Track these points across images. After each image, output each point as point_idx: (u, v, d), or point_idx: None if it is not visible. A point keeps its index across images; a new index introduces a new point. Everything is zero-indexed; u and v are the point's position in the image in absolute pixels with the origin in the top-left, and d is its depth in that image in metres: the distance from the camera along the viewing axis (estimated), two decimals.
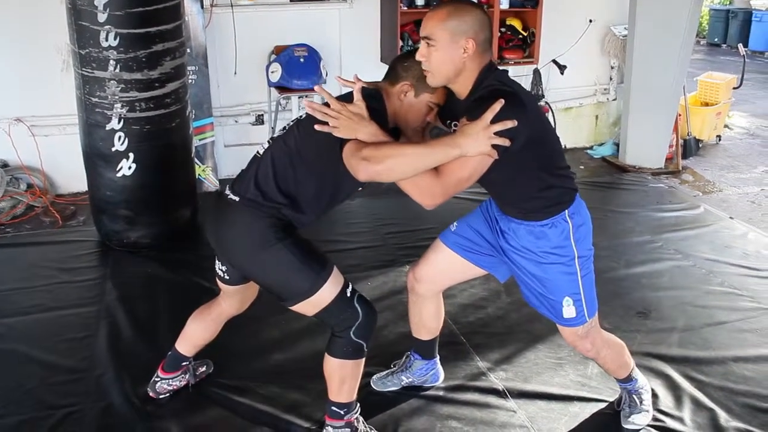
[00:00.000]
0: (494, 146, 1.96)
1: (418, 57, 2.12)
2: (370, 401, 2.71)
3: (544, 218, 2.29)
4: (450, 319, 3.22)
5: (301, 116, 2.36)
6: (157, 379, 2.79)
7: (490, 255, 2.50)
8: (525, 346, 3.14)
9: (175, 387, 2.81)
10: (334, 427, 2.47)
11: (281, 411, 2.72)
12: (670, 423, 2.66)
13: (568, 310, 2.37)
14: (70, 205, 4.77)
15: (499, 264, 2.52)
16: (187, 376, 2.83)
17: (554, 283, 2.35)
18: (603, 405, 2.76)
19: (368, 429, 2.54)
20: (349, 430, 2.47)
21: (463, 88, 2.15)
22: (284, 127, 2.40)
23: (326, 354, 2.39)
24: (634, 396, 2.66)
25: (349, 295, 2.31)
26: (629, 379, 2.64)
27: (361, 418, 2.53)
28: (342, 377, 2.39)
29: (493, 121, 1.93)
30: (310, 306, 2.29)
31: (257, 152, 2.38)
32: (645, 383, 2.70)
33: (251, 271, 2.35)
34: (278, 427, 2.64)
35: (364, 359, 2.40)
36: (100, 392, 2.84)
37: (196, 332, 2.76)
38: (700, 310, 3.48)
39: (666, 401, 2.78)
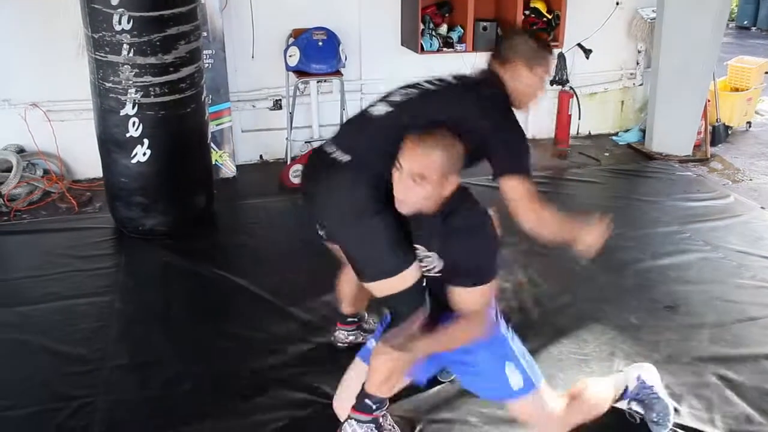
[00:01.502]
0: None
1: (396, 187, 2.05)
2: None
3: None
4: None
5: (420, 88, 2.33)
6: (335, 329, 2.94)
7: None
8: (548, 340, 3.04)
9: (351, 341, 2.86)
10: (359, 421, 2.34)
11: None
12: (700, 425, 2.55)
13: (515, 379, 2.27)
14: (86, 191, 4.72)
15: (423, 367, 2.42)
16: (364, 335, 2.84)
17: (487, 359, 2.28)
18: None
19: (392, 427, 2.45)
20: (374, 425, 2.35)
21: (432, 209, 2.10)
22: (405, 92, 2.32)
23: (381, 343, 2.28)
24: (642, 404, 2.52)
25: (424, 284, 2.21)
26: (622, 396, 2.51)
27: (387, 415, 2.44)
28: (390, 370, 2.27)
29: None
30: (386, 286, 2.18)
31: (367, 111, 2.31)
32: (641, 381, 2.51)
33: (341, 237, 2.26)
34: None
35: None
36: (114, 383, 2.80)
37: (344, 289, 2.66)
38: (731, 305, 3.36)
39: (696, 402, 2.67)
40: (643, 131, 5.84)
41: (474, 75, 2.44)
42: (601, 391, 2.48)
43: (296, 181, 4.73)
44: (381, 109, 2.28)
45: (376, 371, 2.29)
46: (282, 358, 2.95)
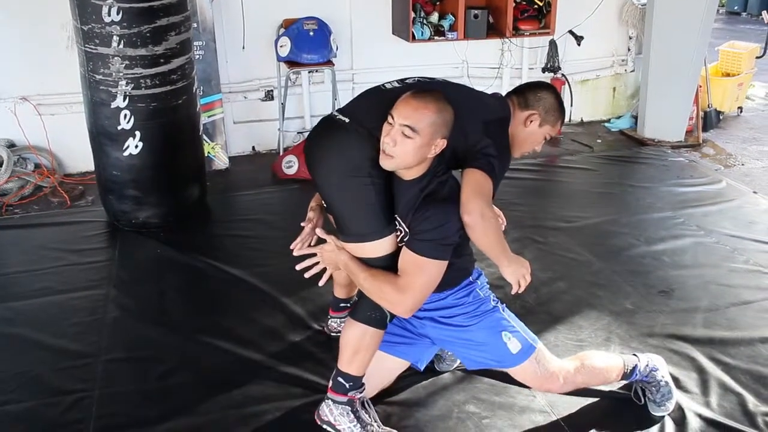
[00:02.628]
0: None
1: (384, 140, 2.08)
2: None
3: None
4: None
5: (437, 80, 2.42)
6: (329, 317, 2.97)
7: (411, 343, 2.50)
8: (544, 327, 3.04)
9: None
10: (334, 401, 2.37)
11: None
12: (696, 408, 2.56)
13: (513, 344, 2.35)
14: (78, 185, 4.69)
15: (424, 350, 2.52)
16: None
17: (483, 332, 2.37)
18: (625, 389, 2.65)
19: (375, 421, 2.41)
20: (349, 408, 2.36)
21: (411, 173, 2.15)
22: (416, 79, 2.37)
23: (349, 318, 2.36)
24: (649, 385, 2.54)
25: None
26: (631, 373, 2.52)
27: (366, 401, 2.43)
28: (357, 347, 2.32)
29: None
30: (362, 250, 2.23)
31: (382, 86, 2.34)
32: (651, 365, 2.54)
33: (328, 190, 2.29)
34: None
35: (383, 333, 2.34)
36: (110, 377, 2.79)
37: (338, 272, 2.63)
38: (725, 289, 3.37)
39: (691, 385, 2.68)
40: (635, 117, 5.84)
41: (491, 94, 2.54)
42: (608, 359, 2.54)
43: (289, 172, 4.72)
44: (391, 85, 2.33)
45: (345, 346, 2.34)
46: (276, 349, 2.95)
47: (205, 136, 4.62)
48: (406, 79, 2.37)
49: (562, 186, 4.83)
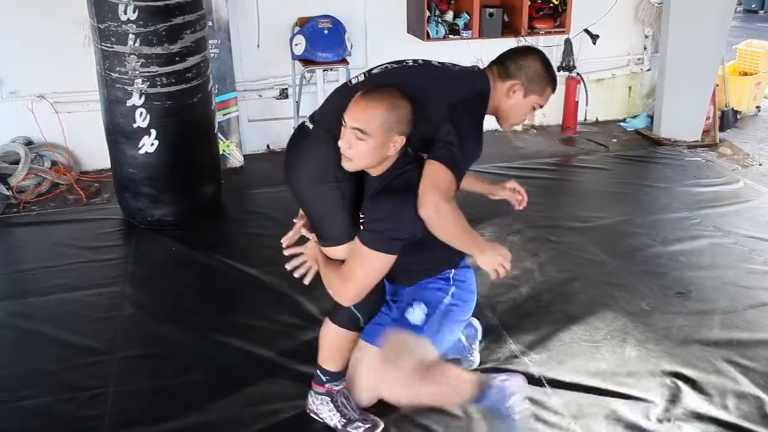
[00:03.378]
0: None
1: (340, 143, 2.11)
2: None
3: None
4: (481, 298, 3.12)
5: (403, 63, 2.39)
6: None
7: None
8: (559, 327, 3.03)
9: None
10: (315, 392, 2.46)
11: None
12: (713, 411, 2.53)
13: (415, 315, 2.35)
14: (94, 183, 4.73)
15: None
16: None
17: (421, 290, 2.39)
18: (640, 390, 2.64)
19: (350, 408, 2.44)
20: (328, 398, 2.44)
21: (376, 171, 2.19)
22: (385, 66, 2.36)
23: (326, 318, 2.41)
24: (495, 412, 2.37)
25: None
26: (479, 398, 2.36)
27: (346, 394, 2.45)
28: (331, 345, 2.39)
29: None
30: (335, 253, 2.30)
31: (348, 82, 2.37)
32: (504, 395, 2.36)
33: (300, 198, 2.38)
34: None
35: (357, 336, 2.39)
36: (125, 374, 2.80)
37: None
38: (743, 291, 3.33)
39: (709, 387, 2.66)
40: (651, 117, 5.80)
41: (467, 69, 2.43)
42: (464, 380, 2.40)
43: None
44: (356, 80, 2.33)
45: (322, 342, 2.42)
46: (290, 347, 2.95)
47: (219, 134, 4.63)
48: (373, 68, 2.37)
49: (577, 186, 4.80)
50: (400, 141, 2.11)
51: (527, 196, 2.70)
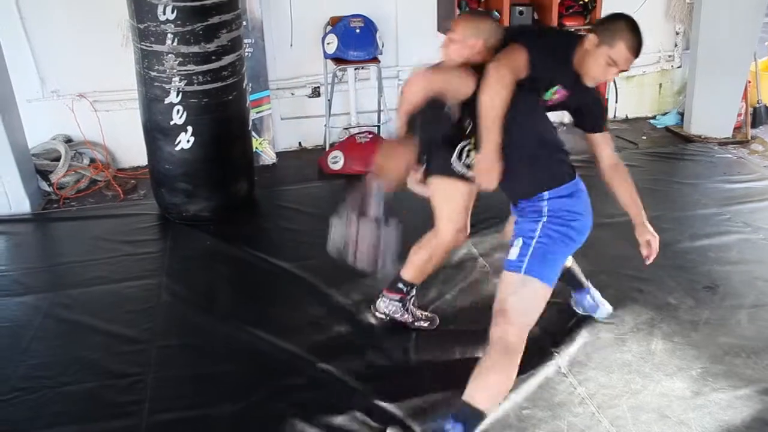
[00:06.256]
0: None
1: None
2: (425, 376, 2.72)
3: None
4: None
5: None
6: (380, 295, 3.07)
7: None
8: (586, 321, 3.07)
9: (389, 312, 3.03)
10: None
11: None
12: (738, 404, 2.56)
13: (513, 251, 2.42)
14: (131, 179, 4.84)
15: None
16: (406, 315, 3.05)
17: (522, 221, 2.51)
18: (666, 382, 2.68)
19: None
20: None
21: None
22: None
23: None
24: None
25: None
26: (472, 416, 2.31)
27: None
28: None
29: None
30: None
31: None
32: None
33: None
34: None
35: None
36: (162, 362, 2.91)
37: (415, 255, 2.96)
38: None
39: (736, 381, 2.68)
40: (682, 114, 5.77)
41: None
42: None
43: (334, 167, 4.80)
44: None
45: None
46: (321, 339, 3.04)
47: (253, 132, 4.73)
48: None
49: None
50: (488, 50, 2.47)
51: None
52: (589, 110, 2.70)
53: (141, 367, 2.86)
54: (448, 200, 2.77)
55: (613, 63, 2.43)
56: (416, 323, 3.04)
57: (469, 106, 2.42)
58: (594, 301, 3.07)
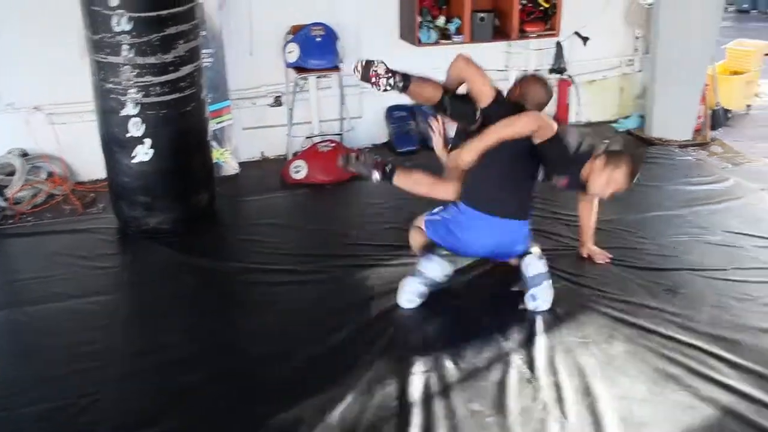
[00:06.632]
0: None
1: None
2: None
3: None
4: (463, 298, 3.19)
5: None
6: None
7: None
8: (548, 325, 3.08)
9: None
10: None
11: None
12: (701, 406, 2.57)
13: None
14: (90, 193, 4.76)
15: None
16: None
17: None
18: (627, 385, 2.69)
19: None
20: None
21: None
22: None
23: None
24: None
25: None
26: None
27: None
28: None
29: None
30: None
31: None
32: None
33: None
34: None
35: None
36: (123, 380, 2.83)
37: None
38: (730, 285, 3.39)
39: (695, 380, 2.70)
40: (643, 117, 5.85)
41: None
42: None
43: (297, 176, 4.77)
44: None
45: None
46: (286, 347, 2.99)
47: (214, 143, 4.69)
48: None
49: None
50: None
51: None
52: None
53: (100, 386, 2.78)
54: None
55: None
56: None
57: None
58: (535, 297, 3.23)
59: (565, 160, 3.21)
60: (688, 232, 3.96)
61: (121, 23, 3.55)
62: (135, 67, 3.66)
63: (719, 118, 5.97)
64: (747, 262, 3.61)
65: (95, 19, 3.61)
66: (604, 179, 3.16)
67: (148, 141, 3.82)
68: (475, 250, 3.29)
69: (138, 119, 3.76)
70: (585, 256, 3.64)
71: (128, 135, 3.80)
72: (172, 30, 3.69)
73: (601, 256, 3.62)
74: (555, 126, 3.12)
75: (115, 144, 3.88)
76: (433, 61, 5.32)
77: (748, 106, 6.50)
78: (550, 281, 3.22)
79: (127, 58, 3.63)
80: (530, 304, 3.18)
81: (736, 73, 6.39)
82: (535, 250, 3.27)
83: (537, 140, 3.11)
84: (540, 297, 3.17)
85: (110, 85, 3.71)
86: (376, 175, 3.41)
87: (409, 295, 3.22)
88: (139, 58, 3.65)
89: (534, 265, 3.21)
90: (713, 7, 5.30)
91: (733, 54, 6.54)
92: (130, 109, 3.74)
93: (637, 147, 3.00)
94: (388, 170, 3.41)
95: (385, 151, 5.44)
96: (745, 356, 2.84)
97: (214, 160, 4.63)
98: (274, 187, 4.82)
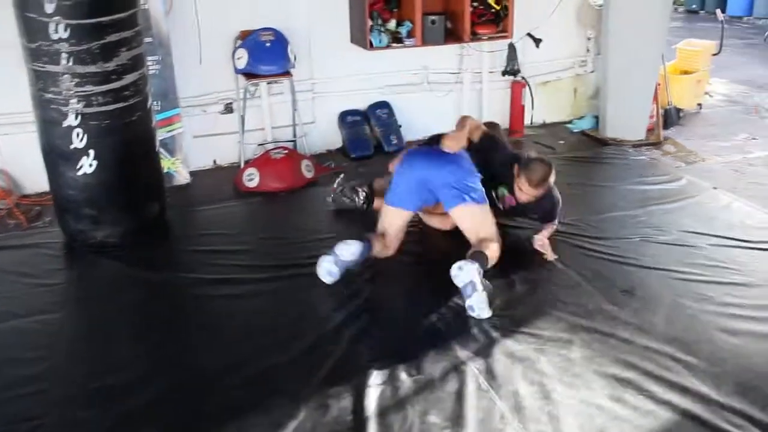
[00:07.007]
0: None
1: None
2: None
3: None
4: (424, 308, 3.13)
5: None
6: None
7: None
8: (506, 331, 3.04)
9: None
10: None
11: None
12: (658, 408, 2.55)
13: None
14: (35, 206, 4.60)
15: None
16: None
17: None
18: (585, 390, 2.66)
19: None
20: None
21: None
22: None
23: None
24: None
25: None
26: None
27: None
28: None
29: None
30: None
31: None
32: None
33: None
34: None
35: None
36: (69, 403, 2.71)
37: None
38: (686, 285, 3.39)
39: (653, 383, 2.68)
40: (597, 118, 5.88)
41: None
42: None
43: (250, 184, 4.68)
44: None
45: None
46: (238, 359, 2.91)
47: (164, 152, 4.57)
48: None
49: None
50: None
51: None
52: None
53: (44, 409, 2.66)
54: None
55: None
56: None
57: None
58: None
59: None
60: (644, 232, 3.96)
61: (59, 30, 3.42)
62: (75, 76, 3.53)
63: (671, 117, 6.04)
64: (702, 261, 3.63)
65: (31, 27, 3.47)
66: (518, 186, 3.72)
67: (91, 152, 3.69)
68: (417, 172, 3.59)
69: (80, 129, 3.63)
70: (536, 247, 3.74)
71: (72, 146, 3.67)
72: (113, 37, 3.57)
73: (549, 254, 3.68)
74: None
75: (57, 156, 3.74)
76: (385, 66, 5.35)
77: (699, 104, 6.59)
78: (482, 288, 3.15)
79: (66, 66, 3.50)
80: (473, 314, 3.14)
81: (686, 72, 6.47)
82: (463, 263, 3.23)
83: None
84: (476, 307, 3.13)
85: (50, 95, 3.58)
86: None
87: (323, 271, 3.44)
88: (79, 66, 3.52)
89: (459, 277, 3.17)
90: (661, 8, 5.35)
91: (683, 54, 6.62)
92: (71, 120, 3.60)
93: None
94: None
95: (339, 157, 5.38)
96: (701, 357, 2.83)
97: (165, 170, 4.52)
98: (227, 195, 4.72)
